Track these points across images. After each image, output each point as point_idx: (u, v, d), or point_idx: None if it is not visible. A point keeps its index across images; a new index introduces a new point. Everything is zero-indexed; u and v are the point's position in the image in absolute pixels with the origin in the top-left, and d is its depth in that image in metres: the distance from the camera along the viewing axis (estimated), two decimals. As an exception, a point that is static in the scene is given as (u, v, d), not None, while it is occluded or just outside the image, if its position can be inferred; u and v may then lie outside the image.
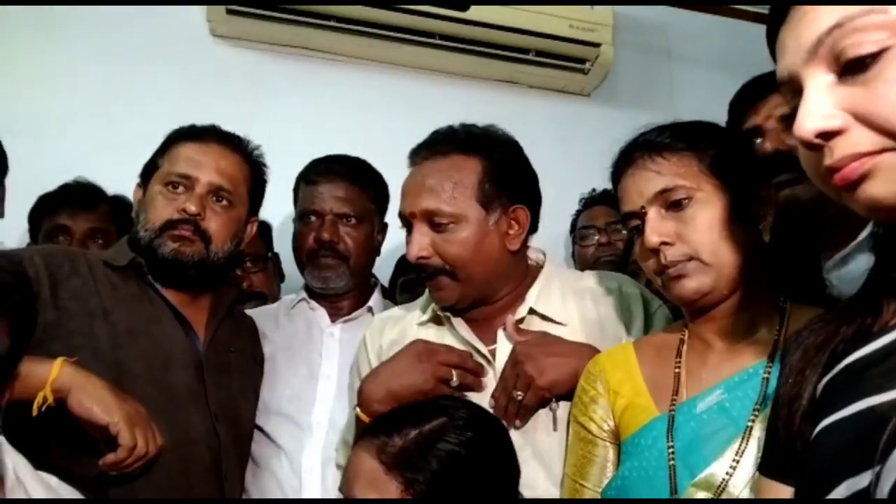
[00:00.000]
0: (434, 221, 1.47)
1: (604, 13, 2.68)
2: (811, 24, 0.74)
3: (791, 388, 0.86)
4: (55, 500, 1.07)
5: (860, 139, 0.72)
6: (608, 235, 2.37)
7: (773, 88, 1.50)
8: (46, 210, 2.09)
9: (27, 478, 1.07)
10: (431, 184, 1.47)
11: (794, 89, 0.78)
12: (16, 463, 1.07)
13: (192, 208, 1.56)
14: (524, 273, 1.57)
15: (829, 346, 0.83)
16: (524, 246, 1.56)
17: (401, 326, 1.61)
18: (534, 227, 1.56)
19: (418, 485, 1.13)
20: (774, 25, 0.81)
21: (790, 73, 0.78)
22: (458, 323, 1.54)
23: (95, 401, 1.32)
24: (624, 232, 2.11)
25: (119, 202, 2.14)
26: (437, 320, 1.58)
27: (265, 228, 2.25)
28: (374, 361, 1.59)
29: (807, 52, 0.75)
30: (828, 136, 0.73)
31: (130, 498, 1.41)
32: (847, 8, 0.72)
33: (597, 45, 2.68)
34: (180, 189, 1.58)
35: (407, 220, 1.51)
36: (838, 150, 0.73)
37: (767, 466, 0.94)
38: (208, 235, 1.57)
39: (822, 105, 0.73)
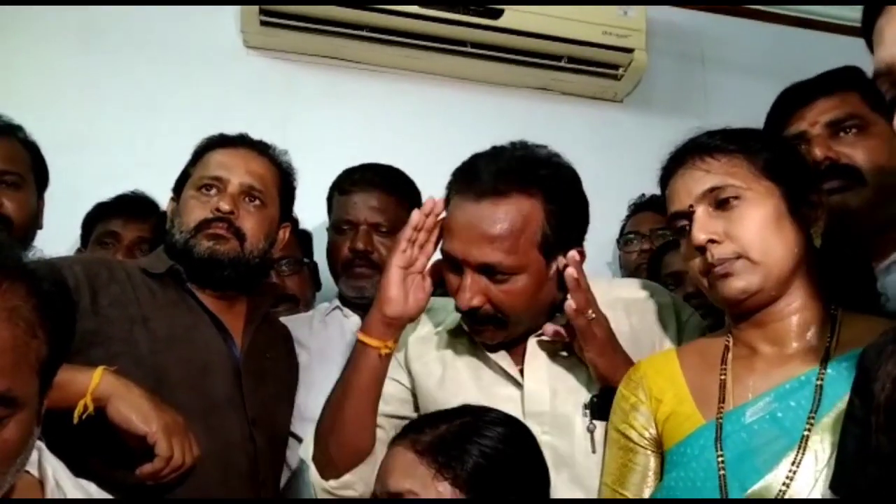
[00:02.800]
0: (491, 273, 1.35)
1: (637, 19, 2.66)
2: None
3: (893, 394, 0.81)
4: (75, 500, 1.08)
5: None
6: (651, 242, 2.31)
7: (817, 94, 1.47)
8: (102, 216, 2.15)
9: (66, 484, 1.08)
10: (492, 233, 1.32)
11: (892, 81, 0.76)
12: (55, 469, 1.08)
13: (226, 206, 1.58)
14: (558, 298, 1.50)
15: None
16: None
17: (428, 328, 1.55)
18: None
19: (452, 470, 1.15)
20: (871, 16, 0.79)
21: (888, 63, 0.76)
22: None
23: (134, 410, 1.34)
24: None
25: None
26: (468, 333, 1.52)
27: (305, 236, 2.27)
28: (405, 345, 1.54)
29: None
30: None
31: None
32: None
33: (630, 50, 2.66)
34: (213, 191, 1.62)
35: (454, 261, 1.38)
36: None
37: (842, 483, 0.90)
38: (242, 233, 1.60)
39: None
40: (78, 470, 1.22)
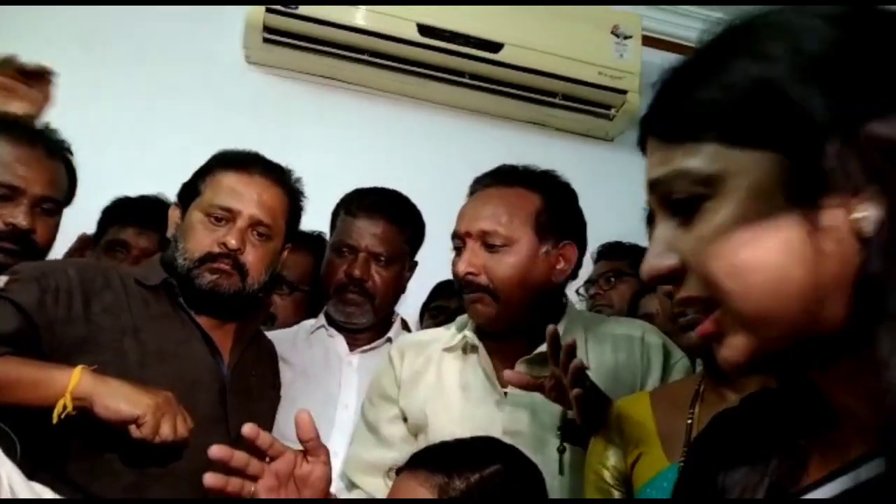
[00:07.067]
0: (488, 242, 1.52)
1: (632, 62, 2.72)
2: None
3: None
4: (51, 499, 1.08)
5: None
6: (600, 286, 2.45)
7: None
8: (118, 219, 2.10)
9: (19, 488, 1.07)
10: (492, 208, 1.54)
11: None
12: (10, 473, 1.07)
13: (233, 243, 1.55)
14: (556, 312, 1.60)
15: (760, 484, 0.65)
16: (564, 285, 1.60)
17: (425, 356, 1.63)
18: (574, 272, 1.60)
19: None
20: None
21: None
22: (483, 356, 1.57)
23: (121, 399, 1.33)
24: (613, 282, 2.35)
25: None
26: (463, 349, 1.61)
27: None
28: (399, 384, 1.63)
29: None
30: None
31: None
32: None
33: (623, 92, 2.72)
34: (222, 222, 1.58)
35: (460, 240, 1.56)
36: None
37: None
38: (246, 269, 1.57)
39: None
40: (57, 477, 1.23)
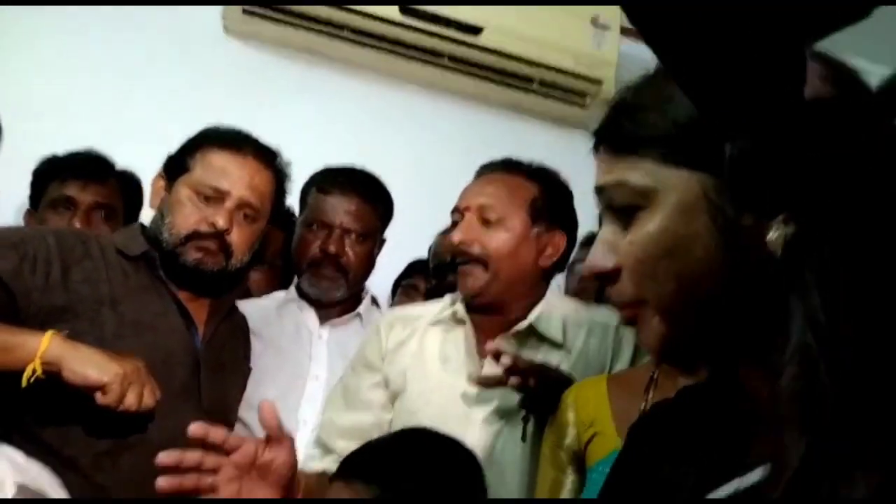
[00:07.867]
0: (484, 216, 1.64)
1: (609, 52, 2.75)
2: None
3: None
4: (52, 500, 1.09)
5: None
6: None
7: None
8: (55, 176, 2.04)
9: None
10: (493, 188, 1.68)
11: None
12: None
13: (222, 223, 1.56)
14: (539, 297, 1.69)
15: (685, 483, 0.68)
16: (550, 273, 1.71)
17: (411, 328, 1.71)
18: (562, 264, 1.72)
19: None
20: None
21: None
22: (468, 330, 1.66)
23: (90, 365, 1.33)
24: None
25: (127, 178, 2.14)
26: (451, 320, 1.70)
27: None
28: (383, 355, 1.70)
29: None
30: None
31: (119, 489, 1.43)
32: None
33: (599, 81, 2.75)
34: (211, 200, 1.58)
35: (459, 214, 1.68)
36: None
37: None
38: (231, 249, 1.59)
39: None
40: (32, 441, 1.24)
